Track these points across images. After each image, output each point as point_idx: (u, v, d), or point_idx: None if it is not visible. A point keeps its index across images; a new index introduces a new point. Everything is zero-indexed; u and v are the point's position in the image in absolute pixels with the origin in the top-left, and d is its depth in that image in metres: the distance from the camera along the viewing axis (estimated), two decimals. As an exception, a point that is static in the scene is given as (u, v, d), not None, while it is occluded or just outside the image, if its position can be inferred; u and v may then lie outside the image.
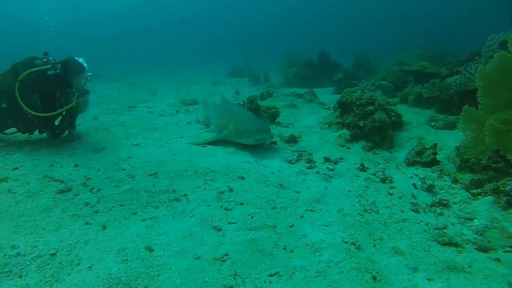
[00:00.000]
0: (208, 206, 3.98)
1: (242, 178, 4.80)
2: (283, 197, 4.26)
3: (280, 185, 4.60)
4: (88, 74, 6.18)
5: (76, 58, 6.15)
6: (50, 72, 5.88)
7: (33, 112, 5.69)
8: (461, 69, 9.62)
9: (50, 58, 5.96)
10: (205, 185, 4.54)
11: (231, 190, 4.37)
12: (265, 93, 10.94)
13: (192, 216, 3.75)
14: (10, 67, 5.97)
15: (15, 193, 4.26)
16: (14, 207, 3.90)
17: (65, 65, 5.95)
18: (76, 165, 5.16)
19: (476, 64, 7.38)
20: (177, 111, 9.23)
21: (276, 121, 8.00)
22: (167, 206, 3.98)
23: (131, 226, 3.54)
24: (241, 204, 4.04)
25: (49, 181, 4.62)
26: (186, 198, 4.17)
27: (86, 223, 3.59)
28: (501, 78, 4.35)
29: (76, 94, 6.18)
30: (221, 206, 3.96)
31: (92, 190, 4.35)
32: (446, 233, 3.53)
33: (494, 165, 4.58)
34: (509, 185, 4.14)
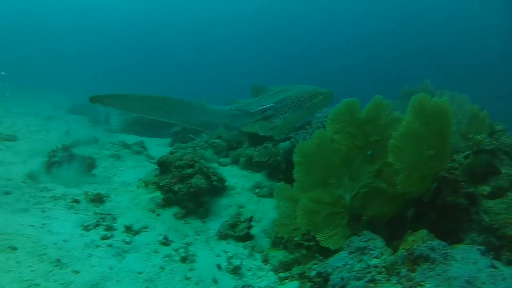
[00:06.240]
0: None
1: (14, 249, 3.90)
2: (53, 279, 3.55)
3: (58, 261, 3.86)
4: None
5: None
6: None
7: None
8: (292, 135, 10.03)
9: None
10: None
11: (-13, 269, 3.47)
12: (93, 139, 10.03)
13: None
14: None
15: None
16: None
17: None
18: None
19: (304, 134, 7.46)
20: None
21: (92, 173, 7.20)
22: None
23: None
24: (-11, 293, 3.21)
25: None
26: None
27: None
28: (318, 157, 4.34)
29: None
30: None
31: None
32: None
33: (306, 243, 4.56)
34: (314, 269, 3.94)
